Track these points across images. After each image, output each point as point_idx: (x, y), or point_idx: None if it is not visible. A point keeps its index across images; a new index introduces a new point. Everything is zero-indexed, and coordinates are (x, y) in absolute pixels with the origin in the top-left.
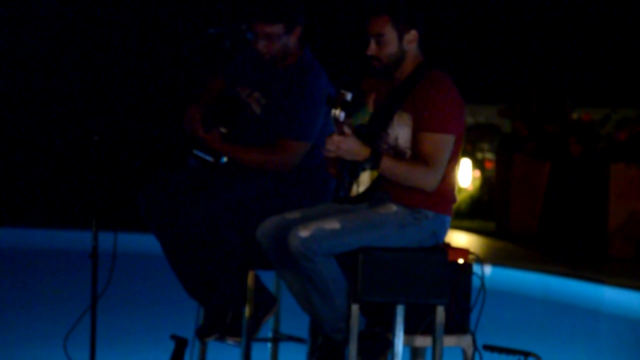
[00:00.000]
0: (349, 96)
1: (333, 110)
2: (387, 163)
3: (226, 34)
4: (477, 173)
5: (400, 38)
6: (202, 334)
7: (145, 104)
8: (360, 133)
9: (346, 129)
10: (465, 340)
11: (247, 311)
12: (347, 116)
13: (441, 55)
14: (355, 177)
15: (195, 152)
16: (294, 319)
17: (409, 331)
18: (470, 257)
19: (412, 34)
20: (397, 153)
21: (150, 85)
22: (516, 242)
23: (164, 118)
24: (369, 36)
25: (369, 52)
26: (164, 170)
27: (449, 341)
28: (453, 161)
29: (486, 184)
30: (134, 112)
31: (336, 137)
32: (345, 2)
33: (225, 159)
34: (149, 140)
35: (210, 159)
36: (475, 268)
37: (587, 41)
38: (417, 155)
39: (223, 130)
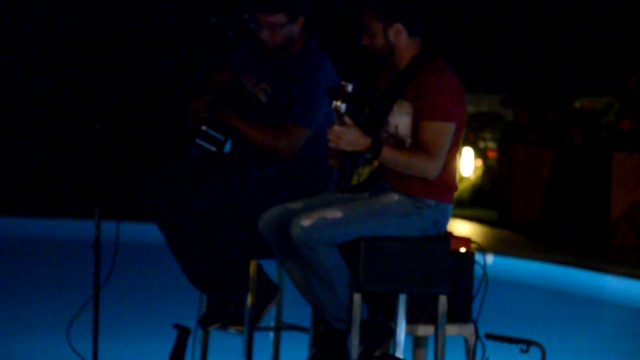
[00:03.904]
0: (349, 87)
1: (334, 102)
2: (387, 152)
3: (229, 23)
4: (480, 162)
5: (385, 31)
6: (205, 322)
7: (148, 92)
8: (360, 122)
9: (347, 120)
10: (468, 329)
11: (249, 300)
12: (348, 107)
13: (444, 44)
14: (356, 167)
15: (198, 141)
16: (296, 308)
17: (411, 320)
18: (473, 246)
19: (396, 28)
20: (397, 142)
21: (153, 73)
22: (518, 231)
23: (167, 107)
24: (363, 27)
25: (362, 42)
26: (166, 159)
27: (451, 330)
28: (454, 149)
29: (488, 173)
30: (137, 100)
31: (337, 128)
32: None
33: (228, 149)
34: (152, 129)
35: (213, 148)
36: (478, 257)
37: (589, 30)
38: (418, 144)
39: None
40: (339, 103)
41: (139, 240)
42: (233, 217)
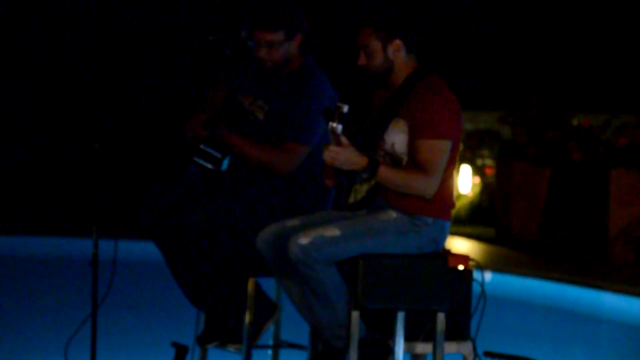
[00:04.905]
0: (345, 108)
1: (330, 123)
2: (384, 172)
3: (226, 41)
4: (477, 179)
5: (385, 49)
6: (203, 340)
7: (145, 111)
8: (357, 142)
9: (343, 140)
10: (466, 347)
11: (247, 318)
12: (344, 127)
13: (440, 61)
14: (353, 185)
15: (196, 159)
16: (295, 326)
17: (409, 338)
18: (471, 263)
19: (396, 44)
20: (393, 160)
21: (150, 92)
22: (516, 248)
23: (164, 125)
24: (359, 47)
25: (359, 63)
26: (164, 178)
27: (450, 348)
28: (450, 166)
29: (486, 190)
30: (134, 119)
31: (333, 148)
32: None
33: (225, 166)
34: (149, 148)
35: (210, 166)
36: (476, 274)
37: (586, 47)
38: (415, 162)
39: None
40: (335, 124)
41: (136, 259)
42: (231, 235)
